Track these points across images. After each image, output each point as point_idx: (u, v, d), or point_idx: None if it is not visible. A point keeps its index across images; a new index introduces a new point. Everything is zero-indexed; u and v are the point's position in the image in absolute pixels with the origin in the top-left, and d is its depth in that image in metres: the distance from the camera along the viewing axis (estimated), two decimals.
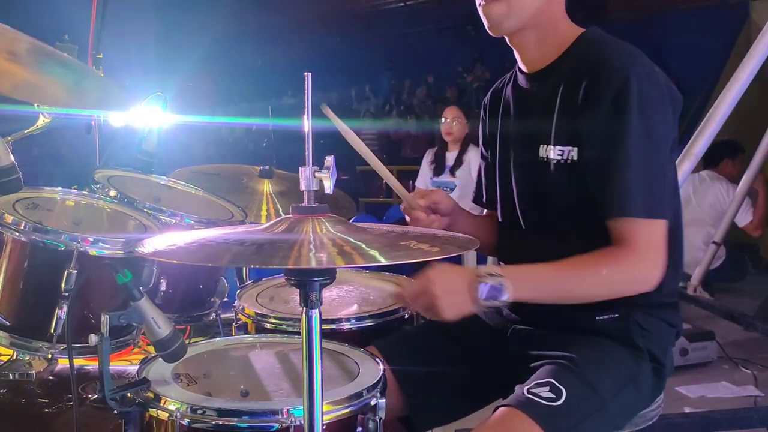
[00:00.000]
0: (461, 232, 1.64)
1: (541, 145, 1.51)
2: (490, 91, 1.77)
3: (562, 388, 1.34)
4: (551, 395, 1.33)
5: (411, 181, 5.46)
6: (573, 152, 1.45)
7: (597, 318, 1.48)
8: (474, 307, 1.36)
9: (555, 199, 1.51)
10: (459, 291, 1.35)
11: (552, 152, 1.48)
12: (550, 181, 1.49)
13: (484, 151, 1.77)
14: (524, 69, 1.60)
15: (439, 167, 5.09)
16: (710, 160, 5.44)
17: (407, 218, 1.63)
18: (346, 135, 1.45)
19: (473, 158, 4.91)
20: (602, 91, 1.39)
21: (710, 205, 5.30)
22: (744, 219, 5.28)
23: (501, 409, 1.33)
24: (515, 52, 1.60)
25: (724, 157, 5.45)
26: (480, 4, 1.51)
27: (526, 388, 1.35)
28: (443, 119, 5.05)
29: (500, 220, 1.70)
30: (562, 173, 1.47)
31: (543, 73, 1.55)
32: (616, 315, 1.47)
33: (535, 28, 1.52)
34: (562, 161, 1.47)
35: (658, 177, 1.41)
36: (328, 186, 1.10)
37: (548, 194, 1.51)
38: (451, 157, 5.08)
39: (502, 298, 1.35)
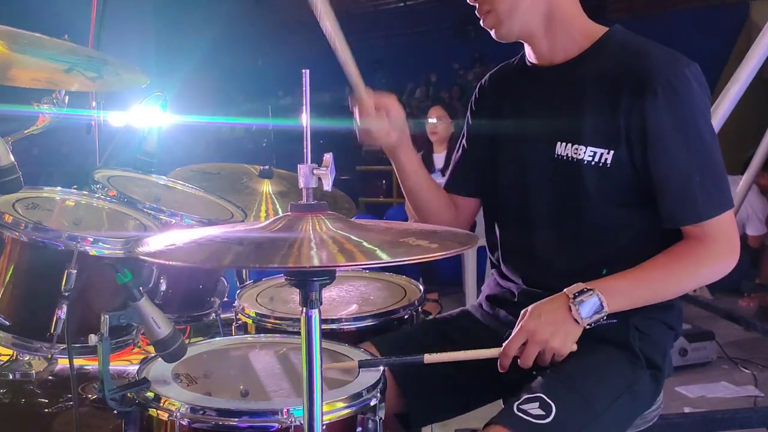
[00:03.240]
0: (407, 168, 1.66)
1: (560, 143, 1.49)
2: (488, 76, 1.73)
3: (552, 404, 1.33)
4: (540, 412, 1.32)
5: None
6: (607, 155, 1.44)
7: None
8: (580, 328, 1.40)
9: (581, 200, 1.48)
10: (561, 322, 1.39)
11: (582, 152, 1.46)
12: (577, 182, 1.47)
13: (470, 138, 1.73)
14: (535, 62, 1.57)
15: (427, 169, 5.07)
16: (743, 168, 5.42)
17: (355, 111, 1.56)
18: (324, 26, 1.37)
19: None
20: (656, 94, 1.38)
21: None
22: (757, 229, 5.28)
23: (490, 426, 1.32)
24: (525, 45, 1.58)
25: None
26: (481, 21, 1.53)
27: (516, 404, 1.34)
28: (428, 119, 5.04)
29: (500, 214, 1.67)
30: (592, 175, 1.45)
31: (563, 68, 1.52)
32: (615, 320, 1.45)
33: (542, 25, 1.51)
34: (593, 163, 1.45)
35: (723, 168, 1.44)
36: (327, 184, 1.10)
37: (572, 194, 1.49)
38: (439, 158, 5.07)
39: (602, 312, 1.39)
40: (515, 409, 1.33)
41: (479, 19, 1.53)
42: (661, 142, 1.40)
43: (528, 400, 1.34)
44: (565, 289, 1.42)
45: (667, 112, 1.38)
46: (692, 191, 1.40)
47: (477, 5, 1.52)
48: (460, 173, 1.78)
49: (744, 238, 5.34)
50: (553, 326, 1.39)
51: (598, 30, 1.52)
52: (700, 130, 1.41)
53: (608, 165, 1.44)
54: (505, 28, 1.51)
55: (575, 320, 1.39)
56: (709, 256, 1.42)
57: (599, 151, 1.44)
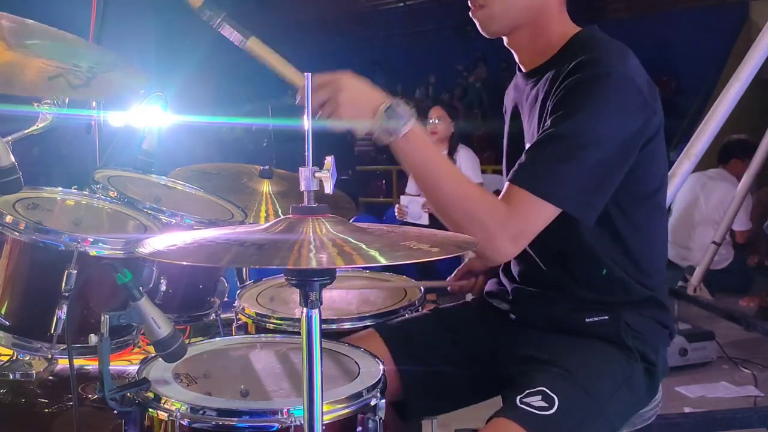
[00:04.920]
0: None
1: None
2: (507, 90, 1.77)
3: (555, 397, 1.34)
4: (543, 404, 1.33)
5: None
6: None
7: (587, 320, 1.49)
8: (371, 117, 1.34)
9: None
10: (366, 92, 1.35)
11: None
12: None
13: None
14: (522, 68, 1.60)
15: None
16: (721, 158, 5.44)
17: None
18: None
19: (463, 159, 4.91)
20: (572, 83, 1.37)
21: (716, 205, 5.27)
22: (742, 224, 5.28)
23: (494, 419, 1.33)
24: (513, 52, 1.60)
25: (732, 156, 5.42)
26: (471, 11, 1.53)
27: (518, 397, 1.35)
28: (428, 120, 5.06)
29: None
30: None
31: (534, 73, 1.55)
32: (606, 317, 1.48)
33: (527, 28, 1.51)
34: None
35: (581, 166, 1.35)
36: (328, 187, 1.10)
37: None
38: None
39: (399, 124, 1.34)
40: (518, 402, 1.34)
41: (469, 9, 1.52)
42: (547, 116, 1.39)
43: (530, 394, 1.35)
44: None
45: (565, 94, 1.37)
46: (529, 159, 1.37)
47: None
48: None
49: (731, 235, 5.35)
50: (356, 87, 1.35)
51: (570, 32, 1.52)
52: (578, 119, 1.35)
53: None
54: (496, 25, 1.52)
55: (374, 101, 1.35)
56: (495, 213, 1.36)
57: None
